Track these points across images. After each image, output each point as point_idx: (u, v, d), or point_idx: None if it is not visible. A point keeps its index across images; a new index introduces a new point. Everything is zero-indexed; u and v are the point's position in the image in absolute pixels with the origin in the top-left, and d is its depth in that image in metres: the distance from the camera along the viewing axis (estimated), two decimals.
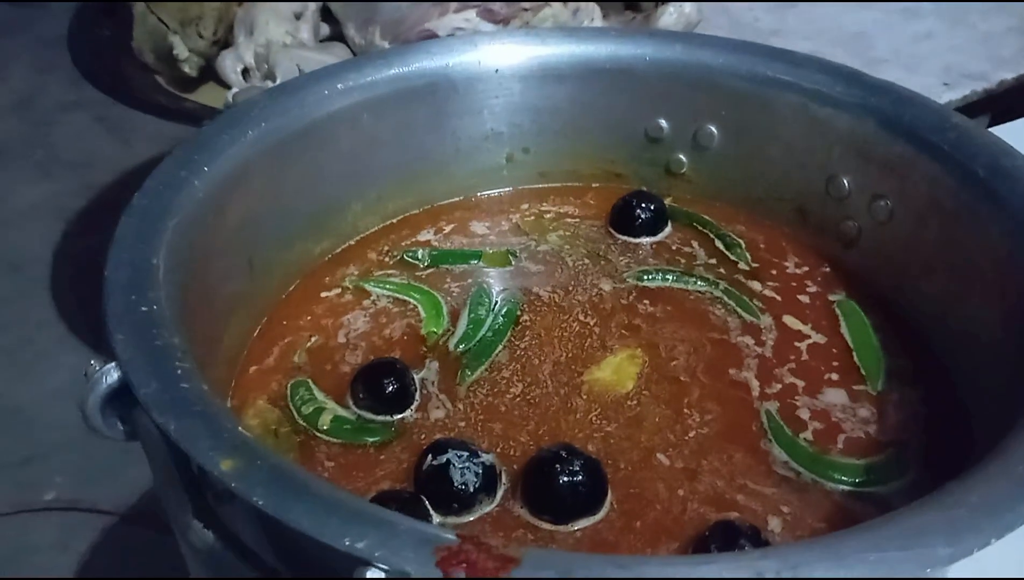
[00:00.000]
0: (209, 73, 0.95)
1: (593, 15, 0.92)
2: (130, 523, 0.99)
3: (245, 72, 0.92)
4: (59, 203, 1.99)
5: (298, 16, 0.96)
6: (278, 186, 0.47)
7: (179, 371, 0.31)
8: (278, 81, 0.86)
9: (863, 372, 0.45)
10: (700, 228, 0.54)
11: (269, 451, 0.29)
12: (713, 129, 0.54)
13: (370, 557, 0.24)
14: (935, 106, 0.48)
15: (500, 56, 0.54)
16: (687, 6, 0.87)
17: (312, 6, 0.96)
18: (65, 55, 2.51)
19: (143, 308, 0.33)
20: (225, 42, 0.94)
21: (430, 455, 0.38)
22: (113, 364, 0.31)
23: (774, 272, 0.51)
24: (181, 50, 0.89)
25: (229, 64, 0.91)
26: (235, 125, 0.45)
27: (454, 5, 0.85)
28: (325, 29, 1.00)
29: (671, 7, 0.88)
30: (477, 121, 0.55)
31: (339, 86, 0.49)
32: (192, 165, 0.41)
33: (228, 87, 0.92)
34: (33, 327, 1.69)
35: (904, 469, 0.40)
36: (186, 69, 0.90)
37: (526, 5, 0.85)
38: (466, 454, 0.38)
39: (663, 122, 0.55)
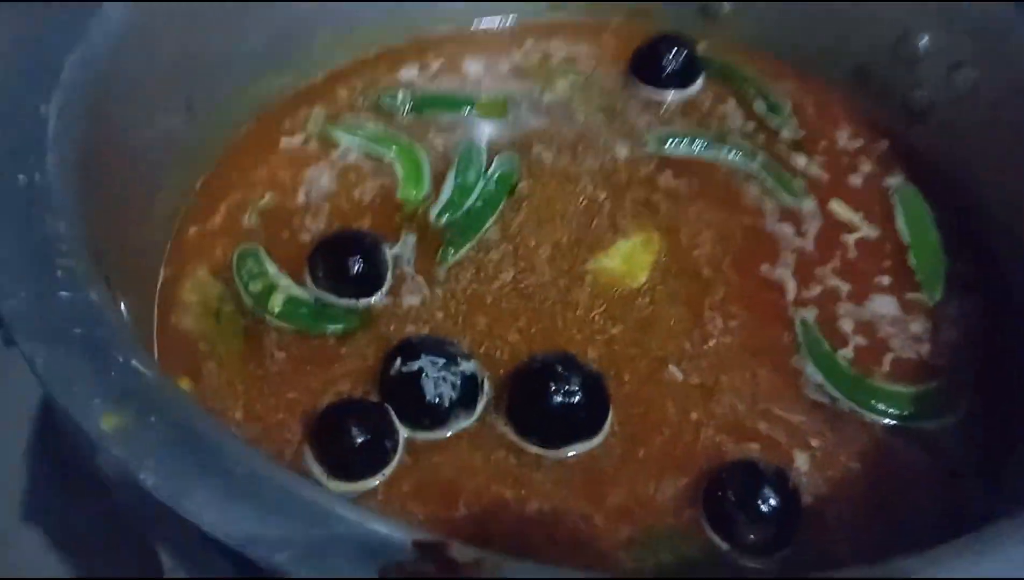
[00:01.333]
0: None
1: None
2: None
3: None
4: None
5: None
6: (223, 13, 0.38)
7: (59, 272, 0.23)
8: None
9: (919, 277, 0.38)
10: (738, 84, 0.45)
11: (173, 397, 0.22)
12: None
13: (295, 572, 0.17)
14: None
15: None
16: None
17: None
18: None
19: (20, 176, 0.25)
20: None
21: (399, 359, 0.31)
22: None
23: (823, 144, 0.43)
24: None
25: None
26: None
27: None
28: None
29: None
30: None
31: None
32: None
33: None
34: None
35: (956, 402, 0.33)
36: None
37: None
38: (443, 361, 0.31)
39: None
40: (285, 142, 0.41)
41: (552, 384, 0.30)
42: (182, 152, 0.38)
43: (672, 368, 0.34)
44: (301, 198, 0.39)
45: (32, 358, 0.21)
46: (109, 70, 0.31)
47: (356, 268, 0.35)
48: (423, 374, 0.31)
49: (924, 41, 0.41)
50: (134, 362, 0.22)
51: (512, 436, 0.31)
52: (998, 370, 0.35)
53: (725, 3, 0.46)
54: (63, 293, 0.23)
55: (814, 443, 0.32)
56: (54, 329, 0.22)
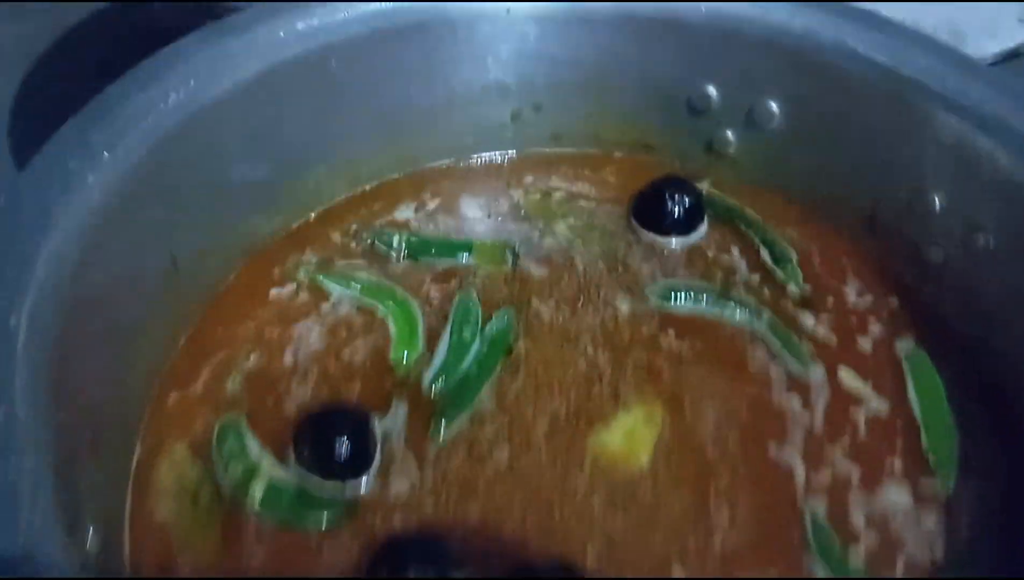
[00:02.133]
0: None
1: None
2: None
3: None
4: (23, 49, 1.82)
5: None
6: (214, 155, 0.36)
7: (23, 523, 0.22)
8: None
9: (931, 460, 0.36)
10: (743, 228, 0.44)
11: None
12: (774, 105, 0.43)
13: None
14: None
15: None
16: None
17: None
18: None
19: None
20: None
21: (386, 565, 0.29)
22: None
23: (830, 300, 0.41)
24: None
25: None
26: (154, 82, 0.34)
27: None
28: None
29: None
30: (478, 69, 0.44)
31: (300, 26, 0.38)
32: (86, 150, 0.30)
33: None
34: None
35: None
36: None
37: None
38: (432, 568, 0.29)
39: (712, 90, 0.44)
40: (274, 293, 0.40)
41: None
42: (165, 311, 0.36)
43: (676, 567, 0.32)
44: (288, 359, 0.37)
45: None
46: (87, 242, 0.30)
47: (343, 449, 0.33)
48: None
49: (939, 198, 0.39)
50: None
51: None
52: (1016, 564, 0.33)
53: (732, 141, 0.45)
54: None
55: None
56: None
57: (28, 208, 0.29)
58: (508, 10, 0.42)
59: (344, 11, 0.38)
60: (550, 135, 0.47)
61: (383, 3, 0.39)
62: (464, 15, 0.41)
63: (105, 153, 0.31)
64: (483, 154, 0.47)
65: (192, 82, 0.34)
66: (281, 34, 0.37)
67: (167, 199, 0.34)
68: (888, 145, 0.41)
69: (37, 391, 0.25)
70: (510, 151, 0.47)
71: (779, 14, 0.41)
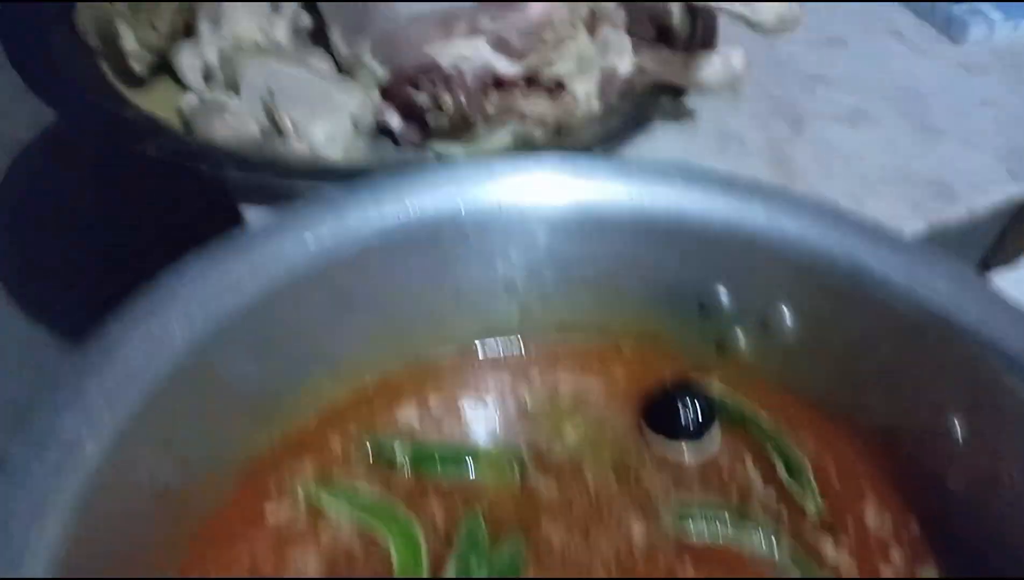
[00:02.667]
0: (166, 66, 0.79)
1: (623, 50, 0.78)
2: None
3: (207, 73, 0.77)
4: (4, 133, 1.82)
5: (275, 8, 0.80)
6: (212, 391, 0.35)
7: None
8: (242, 96, 0.72)
9: None
10: (755, 436, 0.43)
11: None
12: (787, 312, 0.42)
13: None
14: None
15: (525, 194, 0.41)
16: (735, 57, 0.74)
17: None
18: None
19: None
20: (187, 32, 0.78)
21: None
22: None
23: (849, 520, 0.40)
24: (129, 42, 0.73)
25: (187, 61, 0.76)
26: (151, 323, 0.32)
27: (461, 28, 0.70)
28: (306, 20, 0.85)
29: (717, 57, 0.74)
30: (487, 269, 0.43)
31: (309, 240, 0.36)
32: (84, 412, 0.29)
33: (185, 87, 0.78)
34: None
35: None
36: (134, 66, 0.74)
37: (546, 37, 0.71)
38: None
39: (723, 292, 0.43)
40: (269, 511, 0.38)
41: None
42: (154, 545, 0.34)
43: None
44: None
45: None
46: (80, 529, 0.27)
47: None
48: None
49: (961, 425, 0.38)
50: None
51: None
52: None
53: (743, 342, 0.44)
54: None
55: None
56: None
57: (17, 487, 0.26)
58: (520, 213, 0.41)
59: (357, 222, 0.37)
60: (556, 325, 0.46)
61: (398, 215, 0.38)
62: (476, 221, 0.40)
63: (106, 414, 0.29)
64: (487, 341, 0.45)
65: (197, 317, 0.33)
66: (289, 251, 0.36)
67: (165, 438, 0.32)
68: (904, 364, 0.40)
69: None
70: (515, 339, 0.46)
71: (792, 227, 0.40)
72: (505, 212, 0.40)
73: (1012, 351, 0.36)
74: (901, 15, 1.00)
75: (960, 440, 0.38)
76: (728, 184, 0.41)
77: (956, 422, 0.39)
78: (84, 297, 1.47)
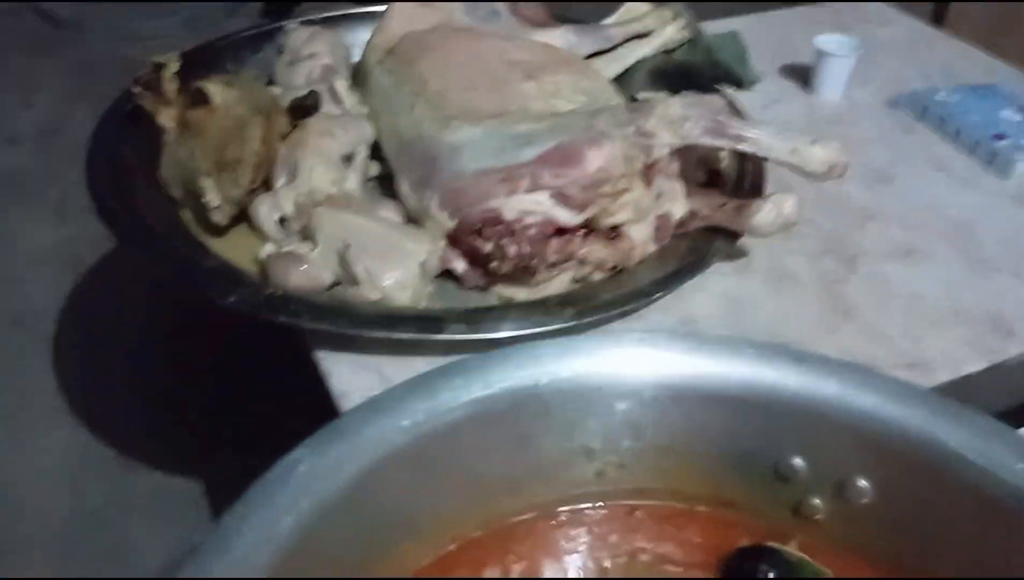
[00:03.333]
0: (242, 215, 0.84)
1: (677, 197, 0.82)
2: None
3: (282, 221, 0.81)
4: (71, 251, 1.90)
5: (347, 158, 0.85)
6: (312, 563, 0.36)
7: None
8: (318, 247, 0.76)
9: None
10: None
11: None
12: (866, 485, 0.43)
13: None
14: None
15: (604, 370, 0.43)
16: (788, 204, 0.77)
17: (364, 151, 0.86)
18: (95, 83, 2.44)
19: None
20: (263, 183, 0.84)
21: None
22: None
23: None
24: (212, 197, 0.79)
25: (265, 211, 0.81)
26: (264, 510, 0.34)
27: (525, 184, 0.74)
28: (373, 167, 0.90)
29: (769, 203, 0.77)
30: (565, 439, 0.44)
31: (405, 422, 0.39)
32: None
33: (262, 235, 0.82)
34: (30, 393, 1.60)
35: None
36: (215, 218, 0.80)
37: (605, 190, 0.75)
38: None
39: (799, 462, 0.44)
40: None
41: None
42: None
43: None
44: None
45: None
46: None
47: None
48: None
49: None
50: None
51: None
52: None
53: (820, 508, 0.45)
54: None
55: None
56: None
57: None
58: (600, 388, 0.43)
59: (448, 401, 0.40)
60: (633, 490, 0.47)
61: (484, 391, 0.40)
62: (557, 396, 0.42)
63: None
64: (565, 508, 0.47)
65: (302, 501, 0.35)
66: (387, 433, 0.38)
67: None
68: (984, 547, 0.40)
69: None
70: (593, 505, 0.47)
71: (867, 401, 0.42)
72: (583, 386, 0.43)
73: None
74: (945, 150, 1.03)
75: None
76: (798, 357, 0.43)
77: None
78: (146, 420, 1.50)
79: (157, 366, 1.64)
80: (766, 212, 0.77)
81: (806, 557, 0.45)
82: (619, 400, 0.43)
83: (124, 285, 1.83)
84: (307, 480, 0.35)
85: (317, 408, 0.69)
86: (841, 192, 0.95)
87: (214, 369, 1.59)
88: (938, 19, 2.54)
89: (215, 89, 0.80)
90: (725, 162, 0.90)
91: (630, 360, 0.43)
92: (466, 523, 0.45)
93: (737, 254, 0.85)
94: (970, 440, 0.40)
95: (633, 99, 0.88)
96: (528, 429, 0.43)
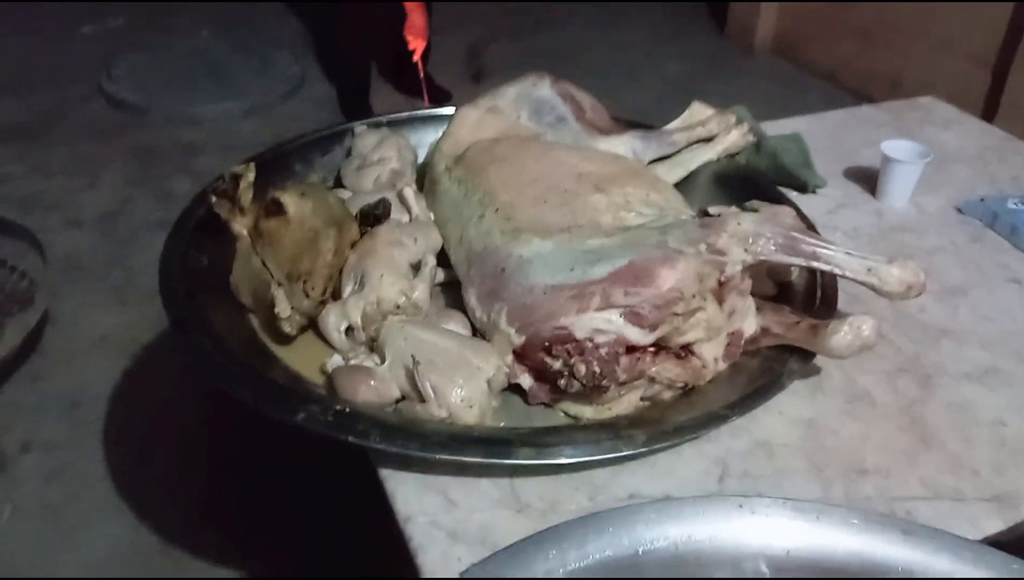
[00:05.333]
0: (311, 322, 0.84)
1: (748, 313, 0.80)
2: None
3: (349, 330, 0.81)
4: (129, 334, 1.92)
5: (416, 267, 0.86)
6: None
7: None
8: (387, 362, 0.76)
9: None
10: None
11: None
12: None
13: None
14: None
15: (700, 534, 0.41)
16: (867, 327, 0.75)
17: (432, 261, 0.87)
18: (156, 166, 2.51)
19: None
20: (334, 294, 0.84)
21: None
22: None
23: None
24: (283, 307, 0.79)
25: (333, 321, 0.81)
26: None
27: (596, 301, 0.74)
28: (441, 274, 0.90)
29: (846, 325, 0.75)
30: None
31: None
32: None
33: (329, 345, 0.82)
34: (82, 481, 1.60)
35: None
36: (286, 328, 0.80)
37: (678, 309, 0.74)
38: None
39: None
40: None
41: None
42: None
43: None
44: None
45: None
46: None
47: None
48: None
49: None
50: None
51: None
52: None
53: None
54: None
55: None
56: None
57: None
58: (697, 557, 0.41)
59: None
60: None
61: (578, 564, 0.39)
62: (655, 566, 0.41)
63: None
64: None
65: None
66: None
67: None
68: None
69: None
70: None
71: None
72: (682, 555, 0.41)
73: None
74: (1017, 261, 1.00)
75: None
76: (907, 530, 0.41)
77: None
78: (193, 510, 1.50)
79: (209, 457, 1.64)
80: (843, 334, 0.75)
81: None
82: (718, 569, 0.41)
83: (180, 368, 1.84)
84: None
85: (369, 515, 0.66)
86: (913, 306, 0.92)
87: (268, 467, 1.58)
88: (989, 109, 2.53)
89: (290, 200, 0.81)
90: (795, 274, 0.89)
91: (730, 526, 0.41)
92: None
93: (810, 372, 0.83)
94: None
95: (704, 213, 0.88)
96: None
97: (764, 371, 0.78)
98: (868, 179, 1.14)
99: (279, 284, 0.81)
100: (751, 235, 0.75)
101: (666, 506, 0.41)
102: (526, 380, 0.78)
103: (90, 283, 2.06)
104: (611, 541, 0.40)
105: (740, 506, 0.42)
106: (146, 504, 1.51)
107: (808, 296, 0.87)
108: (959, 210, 1.10)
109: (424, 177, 1.01)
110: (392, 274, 0.83)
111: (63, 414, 1.71)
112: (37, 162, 2.51)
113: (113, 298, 2.02)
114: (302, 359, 0.82)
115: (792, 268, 0.87)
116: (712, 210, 0.87)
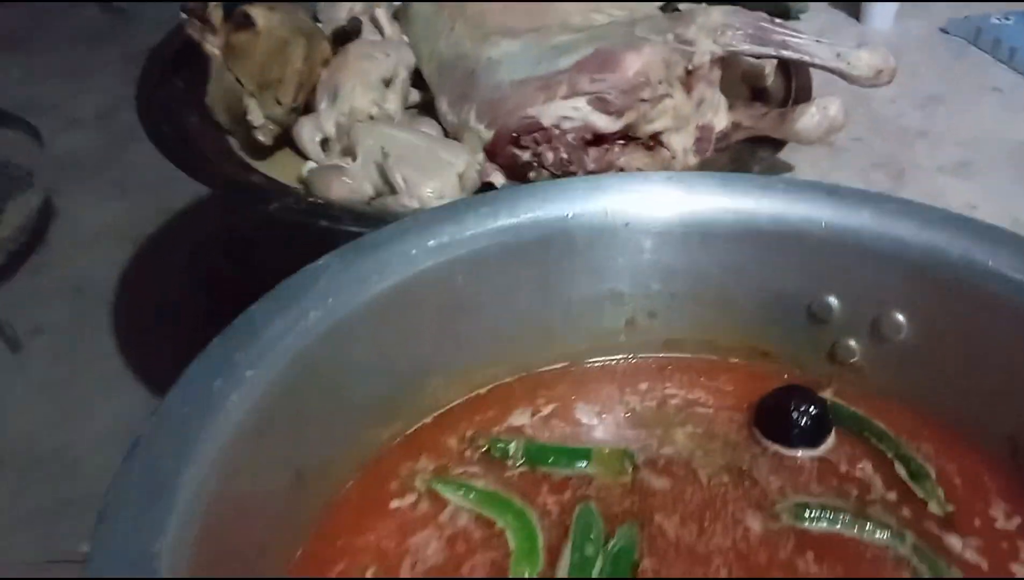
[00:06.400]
0: (286, 138, 0.86)
1: (719, 107, 0.81)
2: None
3: (324, 142, 0.83)
4: (130, 224, 1.95)
5: (387, 82, 0.86)
6: (341, 374, 0.37)
7: None
8: (359, 159, 0.77)
9: None
10: (874, 440, 0.42)
11: None
12: (902, 319, 0.42)
13: None
14: None
15: (632, 206, 0.43)
16: (833, 106, 0.75)
17: (403, 73, 0.87)
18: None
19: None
20: (306, 107, 0.85)
21: None
22: None
23: (977, 523, 0.39)
24: (256, 116, 0.80)
25: (307, 133, 0.82)
26: (293, 300, 0.35)
27: (562, 90, 0.74)
28: (414, 95, 0.91)
29: (813, 107, 0.76)
30: (594, 280, 0.44)
31: (431, 243, 0.39)
32: (231, 369, 0.31)
33: (305, 157, 0.84)
34: (89, 359, 1.64)
35: None
36: (260, 137, 0.81)
37: (644, 95, 0.74)
38: None
39: (833, 301, 0.43)
40: (393, 504, 0.39)
41: None
42: (286, 527, 0.36)
43: None
44: (405, 571, 0.36)
45: None
46: (228, 457, 0.30)
47: None
48: None
49: None
50: None
51: None
52: None
53: (856, 351, 0.44)
54: None
55: None
56: None
57: (173, 434, 0.29)
58: (627, 224, 0.43)
59: (473, 227, 0.40)
60: (664, 341, 0.47)
61: (510, 220, 0.40)
62: (585, 231, 0.42)
63: (248, 372, 0.32)
64: (596, 359, 0.47)
65: (329, 300, 0.35)
66: (413, 251, 0.39)
67: (296, 415, 0.35)
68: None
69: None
70: (622, 357, 0.47)
71: (902, 229, 0.41)
72: (611, 222, 0.42)
73: None
74: (998, 72, 1.00)
75: None
76: (830, 190, 0.42)
77: None
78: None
79: (216, 328, 1.67)
80: (810, 116, 0.75)
81: (840, 401, 0.44)
82: (647, 237, 0.43)
83: (179, 254, 1.87)
84: (335, 283, 0.36)
85: None
86: (890, 112, 0.92)
87: None
88: None
89: (259, 12, 0.81)
90: (771, 80, 0.88)
91: (659, 197, 0.43)
92: (496, 370, 0.45)
93: (782, 168, 0.83)
94: (1010, 258, 0.39)
95: (675, 10, 0.87)
96: (556, 267, 0.43)
97: (734, 162, 0.78)
98: (852, 5, 1.13)
99: (251, 95, 0.81)
100: (720, 26, 0.75)
101: (600, 179, 0.43)
102: (498, 178, 0.79)
103: (90, 177, 2.08)
104: (543, 205, 0.41)
105: (669, 178, 0.43)
106: (156, 377, 1.55)
107: (783, 101, 0.87)
108: (943, 31, 1.09)
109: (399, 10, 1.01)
110: (364, 85, 0.83)
111: (70, 299, 1.75)
112: (31, 67, 2.50)
113: (114, 191, 2.03)
114: (281, 172, 0.83)
115: (766, 71, 0.87)
116: (683, 7, 0.87)
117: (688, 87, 0.77)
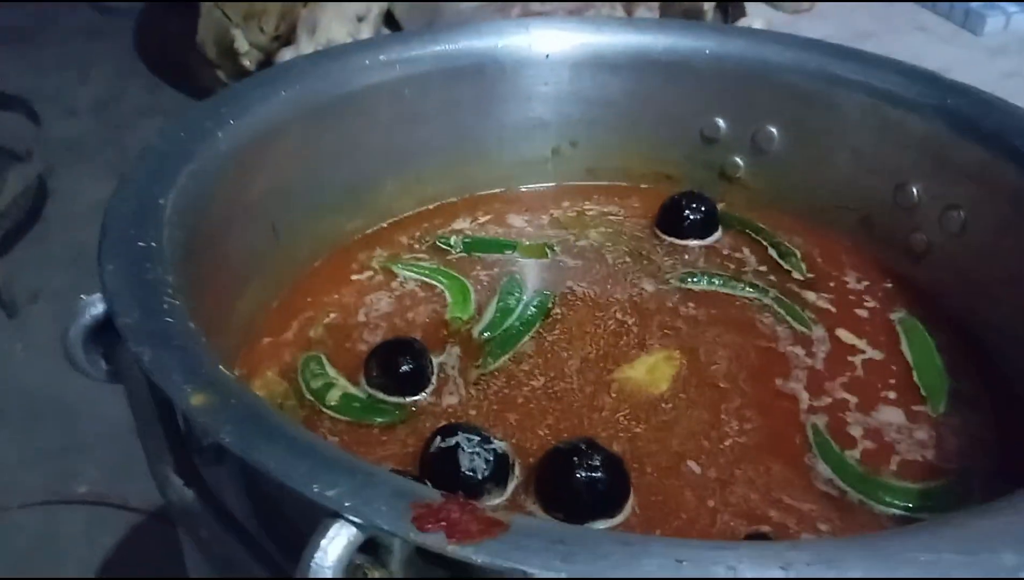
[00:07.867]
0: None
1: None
2: (158, 521, 0.97)
3: None
4: None
5: (361, 18, 0.95)
6: (310, 152, 0.45)
7: (165, 305, 0.29)
8: None
9: (923, 393, 0.40)
10: (753, 235, 0.51)
11: (247, 391, 0.26)
12: (774, 131, 0.51)
13: (339, 507, 0.21)
14: (1018, 110, 0.44)
15: (551, 41, 0.52)
16: (757, 23, 0.85)
17: (375, 8, 0.96)
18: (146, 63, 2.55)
19: (140, 243, 0.31)
20: (287, 39, 0.94)
21: (439, 437, 0.35)
22: (99, 295, 0.29)
23: (831, 284, 0.47)
24: (242, 43, 0.89)
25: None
26: (269, 83, 0.44)
27: (516, 11, 0.83)
28: (385, 32, 1.00)
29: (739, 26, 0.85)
30: (524, 108, 0.53)
31: (381, 57, 0.47)
32: (218, 117, 0.40)
33: None
34: None
35: (966, 496, 0.35)
36: (245, 63, 0.90)
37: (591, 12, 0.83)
38: (477, 438, 0.34)
39: (720, 121, 0.52)
40: (352, 276, 0.47)
41: (576, 459, 0.33)
42: (265, 271, 0.44)
43: (691, 463, 0.36)
44: (361, 317, 0.44)
45: (140, 356, 0.26)
46: (215, 185, 0.38)
47: (405, 369, 0.39)
48: (459, 448, 0.34)
49: (917, 190, 0.46)
50: (220, 366, 0.26)
51: (539, 512, 0.34)
52: (1011, 471, 0.37)
53: (740, 166, 0.52)
54: (167, 318, 0.28)
55: (823, 527, 0.34)
56: (159, 339, 0.27)
57: (174, 141, 0.38)
58: (548, 56, 0.51)
59: (417, 49, 0.48)
60: (585, 170, 0.55)
61: (448, 46, 0.49)
62: (512, 60, 0.51)
63: (231, 120, 0.40)
64: (528, 186, 0.55)
65: (298, 87, 0.44)
66: (367, 62, 0.47)
67: (271, 175, 0.43)
68: (872, 154, 0.48)
69: (176, 254, 0.33)
70: (550, 184, 0.55)
71: (771, 51, 0.50)
72: (535, 53, 0.51)
73: (961, 116, 0.44)
74: (922, 14, 1.09)
75: (917, 201, 0.46)
76: (715, 28, 0.51)
77: (914, 189, 0.46)
78: None
79: None
80: None
81: (729, 212, 0.52)
82: (565, 68, 0.51)
83: None
84: (300, 77, 0.45)
85: None
86: None
87: None
88: None
89: None
90: (709, 16, 0.98)
91: (574, 33, 0.51)
92: (442, 187, 0.53)
93: None
94: (854, 65, 0.47)
95: None
96: (490, 91, 0.51)
97: None
98: None
99: (237, 26, 0.90)
100: None
101: (527, 20, 0.51)
102: None
103: (86, 160, 2.16)
104: (476, 38, 0.50)
105: (582, 21, 0.52)
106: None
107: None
108: None
109: None
110: (340, 20, 0.92)
111: (68, 267, 1.83)
112: (30, 62, 2.59)
113: (109, 172, 2.11)
114: None
115: (705, 9, 0.97)
116: None
117: (629, 12, 0.86)
